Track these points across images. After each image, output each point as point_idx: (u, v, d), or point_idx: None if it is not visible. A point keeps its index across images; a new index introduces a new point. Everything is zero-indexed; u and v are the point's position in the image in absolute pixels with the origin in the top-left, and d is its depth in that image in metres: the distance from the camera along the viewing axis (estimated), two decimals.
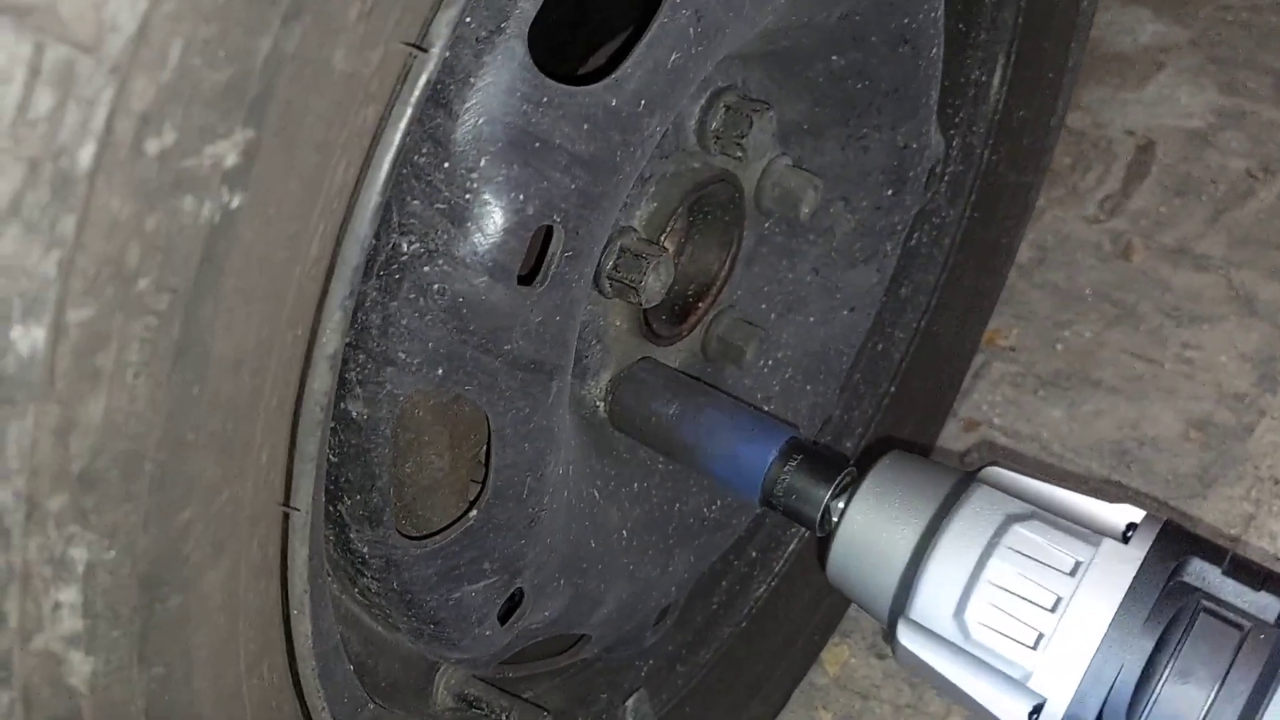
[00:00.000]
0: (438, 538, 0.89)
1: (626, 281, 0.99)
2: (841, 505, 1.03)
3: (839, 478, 1.04)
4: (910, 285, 1.45)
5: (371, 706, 0.91)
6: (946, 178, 1.40)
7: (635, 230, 1.02)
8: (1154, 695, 0.86)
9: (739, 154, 1.05)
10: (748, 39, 0.96)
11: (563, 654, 1.20)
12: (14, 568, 0.53)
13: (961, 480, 1.00)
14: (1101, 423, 1.75)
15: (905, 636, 0.96)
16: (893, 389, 1.48)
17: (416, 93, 0.65)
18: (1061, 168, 2.10)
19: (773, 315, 1.25)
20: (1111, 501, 0.96)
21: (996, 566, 0.92)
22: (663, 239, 1.05)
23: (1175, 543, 0.90)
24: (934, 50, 1.16)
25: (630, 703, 1.28)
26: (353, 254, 0.65)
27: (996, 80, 1.37)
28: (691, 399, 1.10)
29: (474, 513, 0.90)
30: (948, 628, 0.94)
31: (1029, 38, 1.35)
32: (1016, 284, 1.92)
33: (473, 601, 0.93)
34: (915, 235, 1.43)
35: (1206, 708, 0.85)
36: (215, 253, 0.53)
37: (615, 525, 1.11)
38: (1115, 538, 0.91)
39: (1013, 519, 0.94)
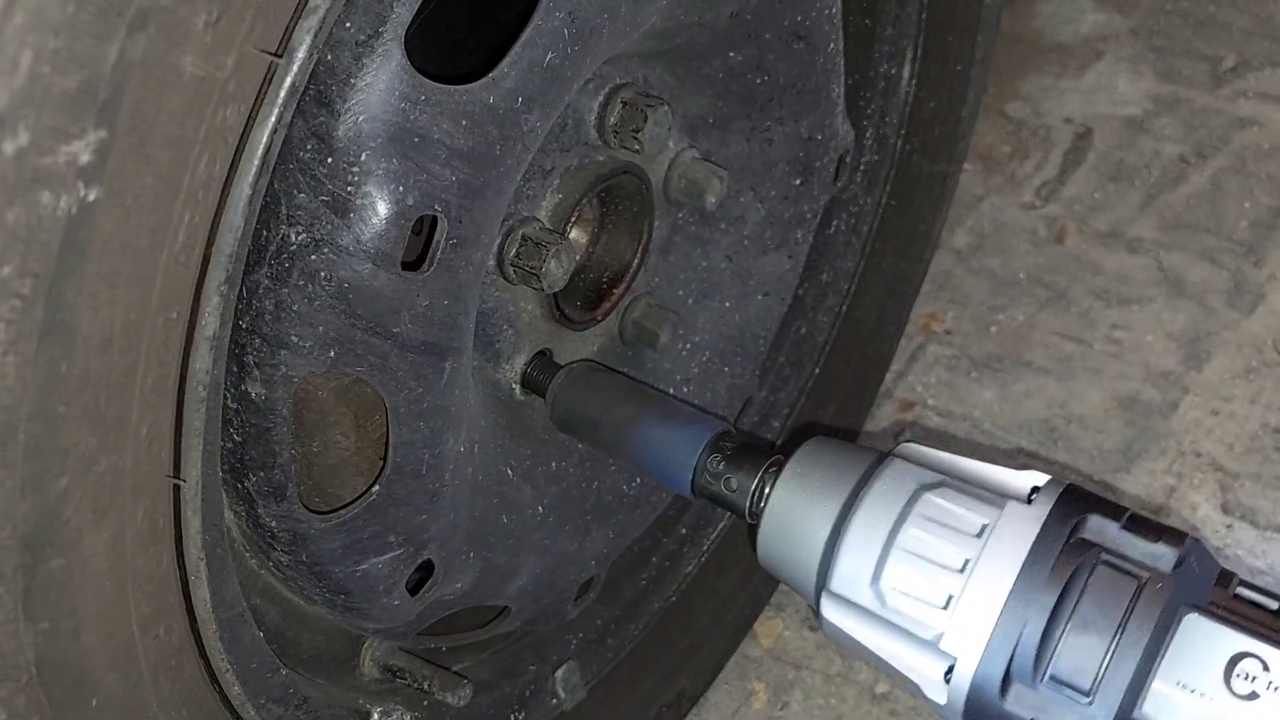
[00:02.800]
0: (341, 512, 0.95)
1: (528, 268, 1.04)
2: (767, 490, 1.08)
3: (765, 466, 1.08)
4: (831, 271, 1.50)
5: (284, 672, 0.97)
6: (861, 167, 1.46)
7: (538, 220, 1.07)
8: (1057, 647, 0.90)
9: (636, 147, 1.10)
10: (633, 39, 1.02)
11: (486, 626, 1.25)
12: None
13: (877, 460, 1.05)
14: (1031, 402, 1.81)
15: (827, 609, 1.01)
16: (817, 371, 1.53)
17: (282, 95, 0.70)
18: (1001, 156, 2.15)
19: (689, 301, 1.30)
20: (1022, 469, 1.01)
21: (908, 533, 0.97)
22: (568, 228, 1.10)
23: (1076, 502, 0.95)
24: (831, 46, 1.22)
25: (559, 674, 1.33)
26: (227, 243, 0.71)
27: (906, 73, 1.42)
28: (623, 402, 1.15)
29: (375, 488, 0.95)
30: (865, 596, 0.99)
31: (934, 33, 1.40)
32: (953, 269, 1.98)
33: (380, 573, 0.99)
34: (834, 223, 1.48)
35: (1108, 655, 0.89)
36: (75, 241, 0.59)
37: (529, 502, 1.16)
38: (1020, 500, 0.96)
39: (924, 488, 0.99)
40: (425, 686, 1.13)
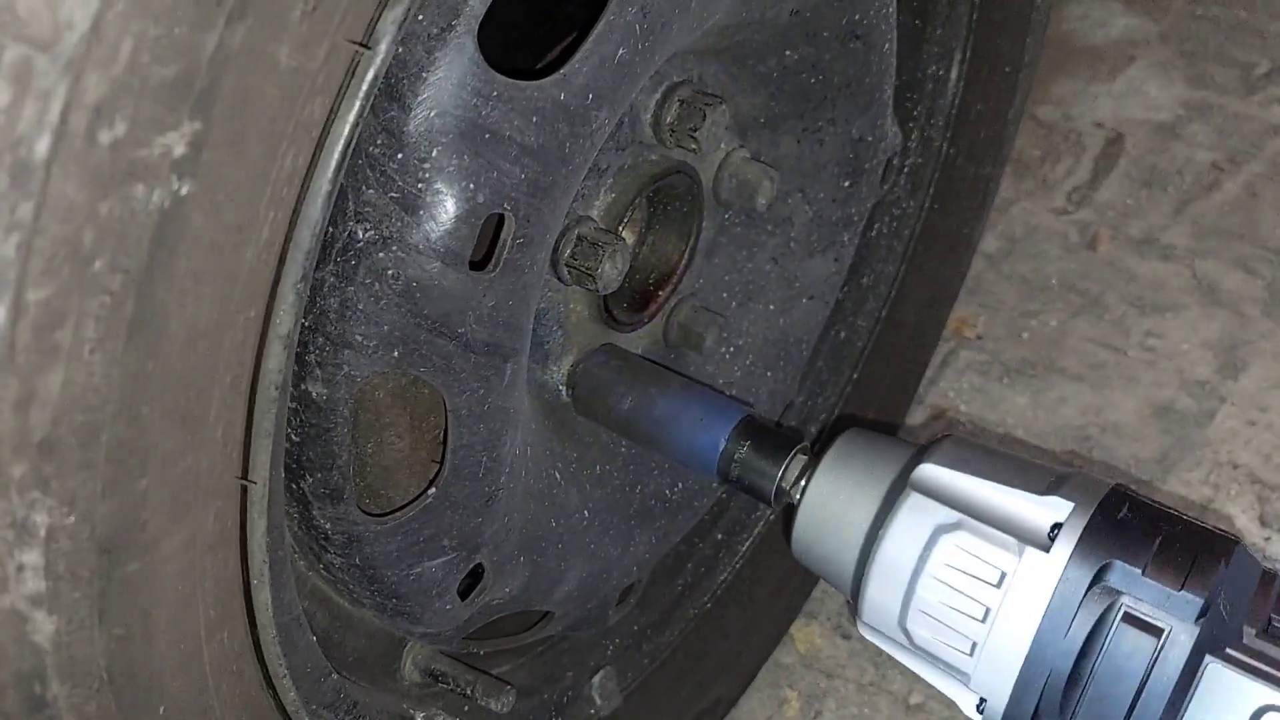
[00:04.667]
0: (398, 514, 0.93)
1: (584, 269, 1.02)
2: (802, 483, 1.07)
3: (791, 454, 1.08)
4: (872, 274, 1.49)
5: (335, 677, 0.95)
6: (906, 170, 1.44)
7: (593, 220, 1.05)
8: (1082, 695, 0.91)
9: (693, 146, 1.09)
10: (697, 35, 1.00)
11: (528, 631, 1.23)
12: None
13: (911, 460, 1.04)
14: (1065, 409, 1.79)
15: (865, 631, 1.03)
16: (856, 375, 1.52)
17: (364, 87, 0.68)
18: (1031, 160, 2.13)
19: (733, 304, 1.29)
20: (1051, 484, 0.98)
21: (928, 582, 0.98)
22: (621, 228, 1.08)
23: (1097, 545, 0.93)
24: (886, 46, 1.20)
25: (596, 680, 1.32)
26: (304, 239, 0.69)
27: (954, 75, 1.41)
28: (649, 383, 1.14)
29: (432, 490, 0.93)
30: (895, 632, 1.00)
31: (984, 34, 1.38)
32: (984, 274, 1.96)
33: (433, 576, 0.97)
34: (876, 226, 1.46)
35: (1129, 711, 0.90)
36: (166, 236, 0.57)
37: (576, 506, 1.14)
38: (1040, 542, 0.95)
39: (941, 530, 0.99)
40: (468, 691, 1.12)
